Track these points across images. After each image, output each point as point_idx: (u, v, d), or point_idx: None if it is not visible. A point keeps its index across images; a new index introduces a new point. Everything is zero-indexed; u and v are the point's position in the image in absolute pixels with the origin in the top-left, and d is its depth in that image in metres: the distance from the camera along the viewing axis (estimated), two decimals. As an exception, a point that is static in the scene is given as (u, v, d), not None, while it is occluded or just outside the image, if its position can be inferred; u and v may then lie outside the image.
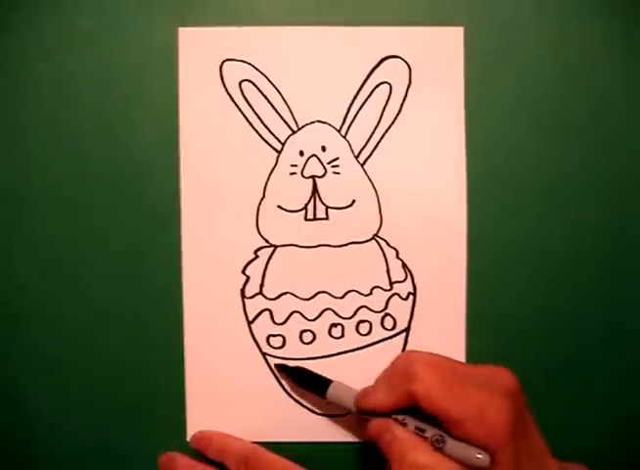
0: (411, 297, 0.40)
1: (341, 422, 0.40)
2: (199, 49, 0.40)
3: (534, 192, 0.40)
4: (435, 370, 0.34)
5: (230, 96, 0.40)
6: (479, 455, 0.32)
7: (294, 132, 0.40)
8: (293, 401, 0.40)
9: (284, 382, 0.40)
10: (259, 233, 0.40)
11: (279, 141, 0.40)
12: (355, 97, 0.40)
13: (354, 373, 0.40)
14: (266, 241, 0.40)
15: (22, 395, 0.40)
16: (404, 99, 0.40)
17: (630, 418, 0.41)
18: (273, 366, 0.40)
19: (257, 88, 0.40)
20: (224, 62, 0.40)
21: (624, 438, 0.41)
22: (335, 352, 0.40)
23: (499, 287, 0.40)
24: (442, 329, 0.40)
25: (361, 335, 0.40)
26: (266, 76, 0.40)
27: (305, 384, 0.39)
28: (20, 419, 0.40)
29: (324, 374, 0.40)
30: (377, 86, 0.40)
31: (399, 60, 0.40)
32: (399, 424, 0.34)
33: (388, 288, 0.40)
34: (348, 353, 0.40)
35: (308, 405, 0.40)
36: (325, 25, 0.40)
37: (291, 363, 0.40)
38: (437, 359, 0.35)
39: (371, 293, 0.40)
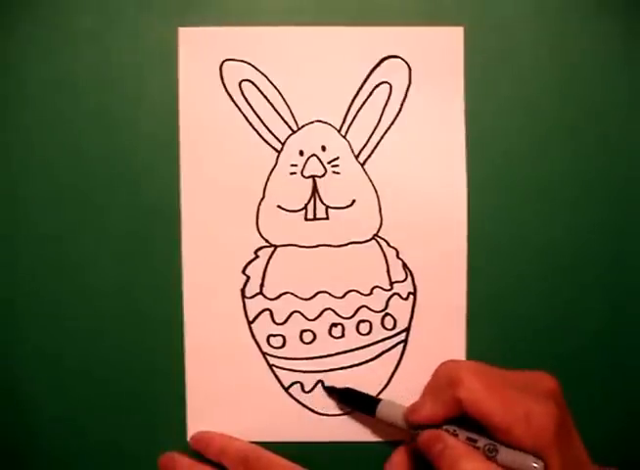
0: (411, 297, 0.40)
1: (341, 422, 0.40)
2: (199, 49, 0.40)
3: (534, 192, 0.40)
4: (479, 376, 0.34)
5: (230, 96, 0.40)
6: (535, 464, 0.32)
7: (294, 132, 0.40)
8: (293, 401, 0.40)
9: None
10: (259, 233, 0.40)
11: (279, 141, 0.40)
12: (355, 97, 0.40)
13: (355, 373, 0.40)
14: (266, 241, 0.40)
15: (22, 394, 0.40)
16: (404, 99, 0.40)
17: (630, 416, 0.41)
18: (322, 387, 0.40)
19: (257, 88, 0.40)
20: (224, 62, 0.40)
21: (624, 436, 0.41)
22: (335, 351, 0.40)
23: (499, 286, 0.40)
24: (443, 329, 0.40)
25: (361, 335, 0.40)
26: (266, 76, 0.40)
27: (353, 404, 0.39)
28: (20, 419, 0.40)
29: (324, 373, 0.40)
30: (377, 86, 0.40)
31: (399, 60, 0.40)
32: (450, 434, 0.34)
33: (389, 288, 0.40)
34: (349, 353, 0.40)
35: (308, 405, 0.40)
36: (325, 25, 0.40)
37: (291, 363, 0.40)
38: (480, 366, 0.36)
39: (371, 293, 0.40)
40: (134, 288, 0.40)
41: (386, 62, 0.40)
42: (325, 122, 0.40)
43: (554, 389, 0.34)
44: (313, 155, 0.40)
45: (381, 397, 0.40)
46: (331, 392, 0.40)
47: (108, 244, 0.40)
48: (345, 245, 0.40)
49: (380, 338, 0.40)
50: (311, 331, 0.40)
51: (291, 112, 0.40)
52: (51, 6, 0.40)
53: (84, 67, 0.40)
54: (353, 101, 0.40)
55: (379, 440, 0.40)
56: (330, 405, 0.40)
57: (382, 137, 0.40)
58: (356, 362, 0.40)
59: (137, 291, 0.40)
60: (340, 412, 0.40)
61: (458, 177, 0.40)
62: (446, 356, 0.40)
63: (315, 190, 0.40)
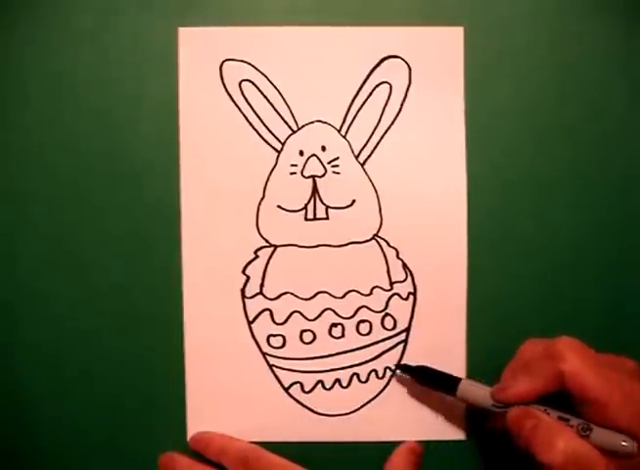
0: (411, 297, 0.40)
1: (341, 422, 0.40)
2: (199, 49, 0.40)
3: (534, 191, 0.40)
4: (578, 351, 0.34)
5: (230, 96, 0.40)
6: (624, 443, 0.32)
7: (294, 132, 0.40)
8: (293, 401, 0.40)
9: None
10: (259, 233, 0.40)
11: (279, 141, 0.40)
12: (355, 97, 0.40)
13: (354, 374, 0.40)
14: (266, 241, 0.40)
15: (22, 395, 0.40)
16: (404, 99, 0.40)
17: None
18: (393, 366, 0.40)
19: (257, 88, 0.40)
20: (224, 62, 0.40)
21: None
22: (335, 351, 0.40)
23: (499, 286, 0.40)
24: (443, 329, 0.40)
25: (361, 335, 0.40)
26: (266, 76, 0.40)
27: (431, 383, 0.39)
28: (20, 419, 0.40)
29: (324, 373, 0.40)
30: (377, 86, 0.40)
31: (399, 60, 0.40)
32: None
33: (389, 288, 0.40)
34: (349, 353, 0.40)
35: (308, 405, 0.40)
36: (325, 25, 0.40)
37: (291, 363, 0.40)
38: (575, 341, 0.35)
39: (371, 293, 0.40)
40: (134, 288, 0.40)
41: (386, 62, 0.40)
42: (325, 122, 0.40)
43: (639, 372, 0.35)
44: (313, 155, 0.40)
45: (380, 397, 0.40)
46: (406, 370, 0.40)
47: (108, 244, 0.40)
48: (345, 245, 0.40)
49: (380, 338, 0.40)
50: (311, 331, 0.40)
51: (291, 112, 0.40)
52: (51, 6, 0.40)
53: (84, 67, 0.40)
54: (353, 101, 0.40)
55: (379, 440, 0.40)
56: (330, 405, 0.40)
57: (382, 137, 0.40)
58: (356, 362, 0.40)
59: (137, 291, 0.40)
60: (340, 412, 0.40)
61: (458, 177, 0.40)
62: (446, 356, 0.40)
63: (315, 190, 0.40)
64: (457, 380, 0.38)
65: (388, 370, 0.40)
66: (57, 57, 0.40)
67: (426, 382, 0.39)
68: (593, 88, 0.40)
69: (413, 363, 0.40)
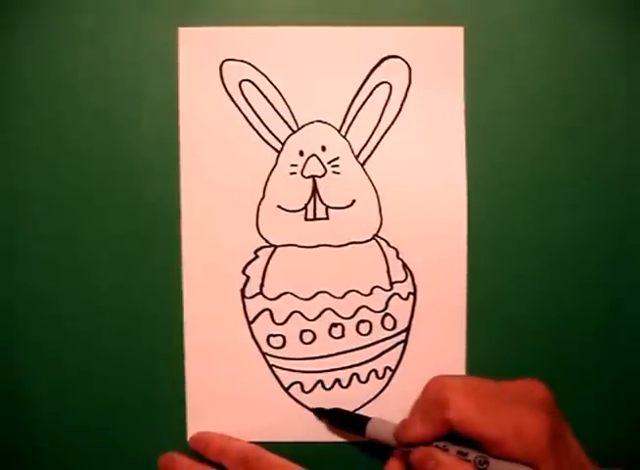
0: (411, 297, 0.40)
1: (341, 422, 0.40)
2: (199, 49, 0.40)
3: (534, 191, 0.40)
4: (467, 394, 0.34)
5: (230, 96, 0.40)
6: None
7: (294, 132, 0.40)
8: (293, 401, 0.40)
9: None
10: (259, 233, 0.40)
11: (279, 141, 0.40)
12: (355, 97, 0.40)
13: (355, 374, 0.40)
14: (266, 241, 0.40)
15: (22, 394, 0.40)
16: (404, 99, 0.40)
17: (631, 418, 0.41)
18: (312, 409, 0.40)
19: (257, 88, 0.40)
20: (224, 62, 0.40)
21: (627, 433, 0.41)
22: (335, 351, 0.40)
23: (499, 287, 0.40)
24: (443, 329, 0.40)
25: (361, 335, 0.40)
26: (266, 76, 0.40)
27: (342, 424, 0.39)
28: (19, 418, 0.40)
29: (324, 373, 0.40)
30: (377, 86, 0.40)
31: (399, 60, 0.40)
32: (441, 450, 0.34)
33: (389, 288, 0.40)
34: (349, 353, 0.40)
35: (308, 405, 0.40)
36: (325, 25, 0.40)
37: (290, 363, 0.40)
38: (467, 382, 0.36)
39: (371, 293, 0.40)
40: (134, 288, 0.40)
41: (386, 62, 0.40)
42: (325, 122, 0.40)
43: (545, 398, 0.35)
44: (313, 155, 0.40)
45: (380, 397, 0.40)
46: (319, 414, 0.40)
47: (108, 244, 0.40)
48: (345, 245, 0.40)
49: (380, 338, 0.40)
50: (311, 331, 0.40)
51: (291, 112, 0.40)
52: (51, 6, 0.40)
53: (84, 67, 0.40)
54: (353, 101, 0.40)
55: (379, 440, 0.40)
56: (330, 406, 0.40)
57: (382, 137, 0.40)
58: (356, 362, 0.40)
59: (137, 291, 0.40)
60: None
61: (458, 177, 0.40)
62: (446, 356, 0.40)
63: (315, 190, 0.40)
64: (366, 420, 0.38)
65: (388, 370, 0.40)
66: (57, 57, 0.40)
67: (337, 424, 0.39)
68: (593, 88, 0.40)
69: (327, 406, 0.40)
